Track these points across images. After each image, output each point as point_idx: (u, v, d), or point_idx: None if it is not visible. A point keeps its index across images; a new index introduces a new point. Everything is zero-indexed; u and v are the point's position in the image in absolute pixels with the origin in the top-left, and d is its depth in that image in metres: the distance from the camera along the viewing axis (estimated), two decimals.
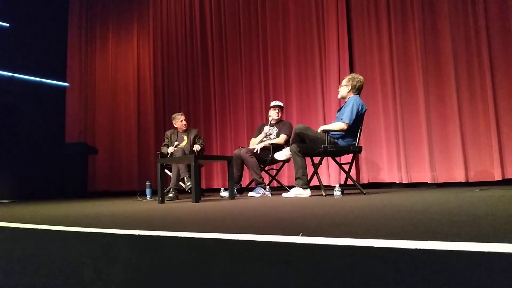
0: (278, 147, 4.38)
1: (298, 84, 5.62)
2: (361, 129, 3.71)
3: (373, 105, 4.86)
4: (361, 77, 3.74)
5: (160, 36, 7.30)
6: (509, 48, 4.20)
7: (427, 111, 4.59)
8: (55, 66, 8.05)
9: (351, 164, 3.74)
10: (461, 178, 4.32)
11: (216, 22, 6.58)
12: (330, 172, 5.14)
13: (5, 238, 1.69)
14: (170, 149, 4.66)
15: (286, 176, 5.45)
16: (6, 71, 7.23)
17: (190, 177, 4.19)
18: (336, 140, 3.64)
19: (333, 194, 3.29)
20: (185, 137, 4.86)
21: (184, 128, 4.92)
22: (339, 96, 3.86)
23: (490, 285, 0.70)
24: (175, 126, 4.96)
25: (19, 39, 7.45)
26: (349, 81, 3.71)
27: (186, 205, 3.07)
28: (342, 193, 3.43)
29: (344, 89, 3.74)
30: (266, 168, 4.69)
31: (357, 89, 3.69)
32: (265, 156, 4.43)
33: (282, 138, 4.49)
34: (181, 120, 4.90)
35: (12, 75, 7.32)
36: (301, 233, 1.07)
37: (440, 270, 0.74)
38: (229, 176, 3.79)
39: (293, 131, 3.91)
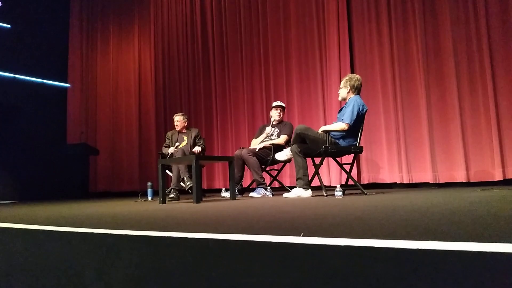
0: (279, 148, 4.39)
1: (299, 85, 5.63)
2: (362, 129, 3.71)
3: (373, 105, 4.86)
4: (358, 76, 3.76)
5: (161, 37, 7.31)
6: (510, 48, 4.20)
7: (428, 111, 4.59)
8: (56, 67, 8.06)
9: (352, 164, 3.74)
10: (462, 178, 4.32)
11: (217, 22, 6.58)
12: (331, 173, 5.14)
13: (7, 239, 1.69)
14: (170, 150, 4.66)
15: (287, 176, 5.46)
16: (7, 72, 7.24)
17: (190, 177, 4.20)
18: (337, 141, 3.65)
19: (334, 195, 3.29)
20: (185, 138, 4.86)
21: (179, 129, 4.90)
22: (339, 99, 3.87)
23: (491, 285, 0.70)
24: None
25: (21, 40, 7.46)
26: (346, 82, 3.72)
27: (187, 206, 3.08)
28: (343, 194, 3.43)
29: (343, 91, 3.75)
30: (267, 169, 4.69)
31: (356, 89, 3.70)
32: (266, 157, 4.43)
33: (283, 138, 4.50)
34: (175, 122, 4.91)
35: (14, 76, 7.33)
36: (302, 234, 1.08)
37: (441, 270, 0.74)
38: (230, 177, 3.80)
39: (294, 131, 3.91)
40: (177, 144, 4.82)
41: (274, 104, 4.69)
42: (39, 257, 1.39)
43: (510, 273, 0.70)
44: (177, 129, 4.91)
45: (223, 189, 4.61)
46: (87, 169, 7.67)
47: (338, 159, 3.92)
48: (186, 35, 6.96)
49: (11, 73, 7.29)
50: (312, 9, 5.55)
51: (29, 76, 7.55)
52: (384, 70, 4.93)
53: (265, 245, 1.01)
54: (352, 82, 3.69)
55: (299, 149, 3.63)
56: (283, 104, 4.70)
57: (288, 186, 4.68)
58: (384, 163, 4.88)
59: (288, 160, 4.23)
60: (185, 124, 4.94)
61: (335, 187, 3.35)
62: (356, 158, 3.99)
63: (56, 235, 1.51)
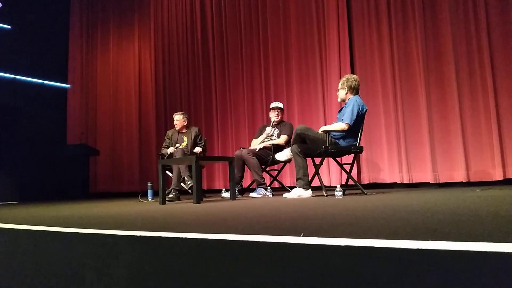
0: (279, 148, 4.39)
1: (299, 85, 5.63)
2: (362, 129, 3.71)
3: (373, 105, 4.86)
4: (355, 76, 3.77)
5: (161, 37, 7.31)
6: (510, 48, 4.20)
7: (428, 111, 4.59)
8: (56, 67, 8.07)
9: (352, 164, 3.74)
10: (462, 178, 4.32)
11: (217, 22, 6.59)
12: (331, 173, 5.14)
13: (7, 239, 1.69)
14: (170, 150, 4.65)
15: (288, 176, 5.46)
16: (8, 73, 7.25)
17: (191, 176, 4.19)
18: (337, 141, 3.65)
19: (334, 195, 3.29)
20: (185, 138, 4.85)
21: (179, 128, 4.89)
22: (339, 100, 3.88)
23: (491, 285, 0.70)
24: None
25: (21, 41, 7.46)
26: (344, 83, 3.73)
27: (187, 206, 3.08)
28: (343, 194, 3.43)
29: (342, 92, 3.76)
30: (267, 169, 4.69)
31: (354, 89, 3.71)
32: (266, 157, 4.43)
33: (283, 138, 4.50)
34: (175, 121, 4.90)
35: (14, 77, 7.33)
36: (302, 234, 1.08)
37: (441, 270, 0.74)
38: (231, 177, 3.80)
39: (294, 131, 3.91)
40: (177, 145, 4.81)
41: (272, 105, 4.69)
42: (39, 257, 1.39)
43: (510, 273, 0.70)
44: (177, 128, 4.90)
45: (223, 189, 4.61)
46: (87, 169, 7.67)
47: (338, 159, 3.92)
48: (186, 35, 6.96)
49: (12, 74, 7.29)
50: (312, 9, 5.55)
51: (29, 77, 7.55)
52: (384, 70, 4.93)
53: (265, 245, 1.01)
54: (349, 83, 3.70)
55: (299, 149, 3.63)
56: (280, 105, 4.68)
57: (288, 186, 4.68)
58: (384, 163, 4.88)
59: (288, 160, 4.23)
60: (185, 123, 4.92)
61: (335, 187, 3.35)
62: (356, 158, 3.99)
63: (56, 235, 1.51)
